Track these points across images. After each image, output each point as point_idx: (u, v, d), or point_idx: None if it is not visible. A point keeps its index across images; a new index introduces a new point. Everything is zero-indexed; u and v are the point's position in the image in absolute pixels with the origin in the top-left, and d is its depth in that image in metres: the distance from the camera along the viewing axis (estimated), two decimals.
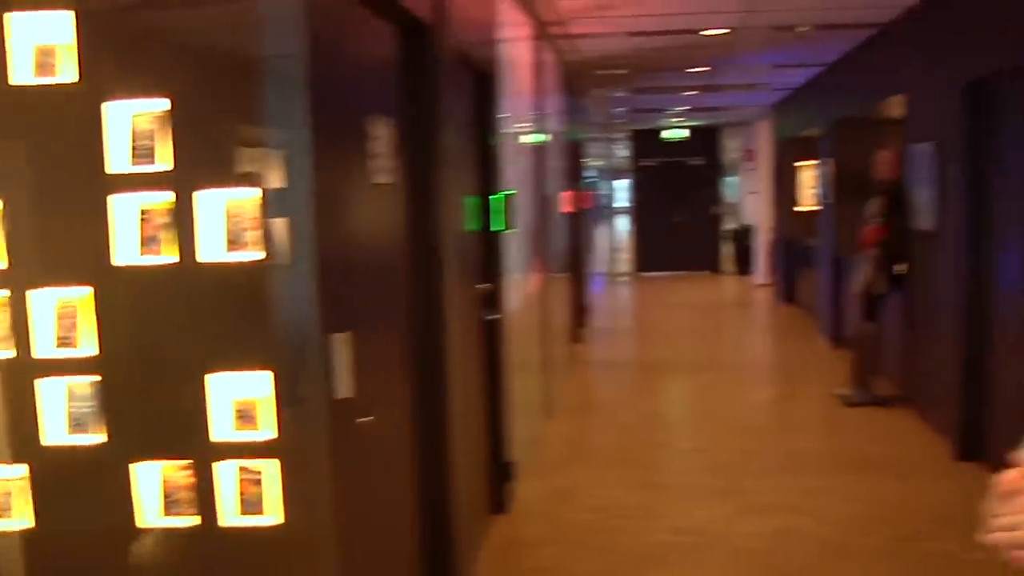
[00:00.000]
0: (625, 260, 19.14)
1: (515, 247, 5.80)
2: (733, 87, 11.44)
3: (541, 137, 6.93)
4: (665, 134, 17.95)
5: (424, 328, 3.32)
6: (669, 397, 7.94)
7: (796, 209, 12.33)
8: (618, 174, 21.54)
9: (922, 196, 6.20)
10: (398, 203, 3.09)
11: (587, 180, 13.48)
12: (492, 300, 4.64)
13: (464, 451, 3.75)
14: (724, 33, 7.43)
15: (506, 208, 4.76)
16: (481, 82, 4.52)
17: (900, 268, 6.78)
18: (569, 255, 9.24)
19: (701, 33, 7.48)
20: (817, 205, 10.50)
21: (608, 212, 21.28)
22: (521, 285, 5.95)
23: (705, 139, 18.02)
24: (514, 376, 5.22)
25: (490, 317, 4.56)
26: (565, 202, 8.78)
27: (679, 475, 5.64)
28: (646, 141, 18.05)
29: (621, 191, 21.32)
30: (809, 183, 11.87)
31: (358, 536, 2.64)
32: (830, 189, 9.49)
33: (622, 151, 19.88)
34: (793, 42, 8.06)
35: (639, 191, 18.35)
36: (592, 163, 17.27)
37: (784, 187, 12.77)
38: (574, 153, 10.04)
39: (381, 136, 2.86)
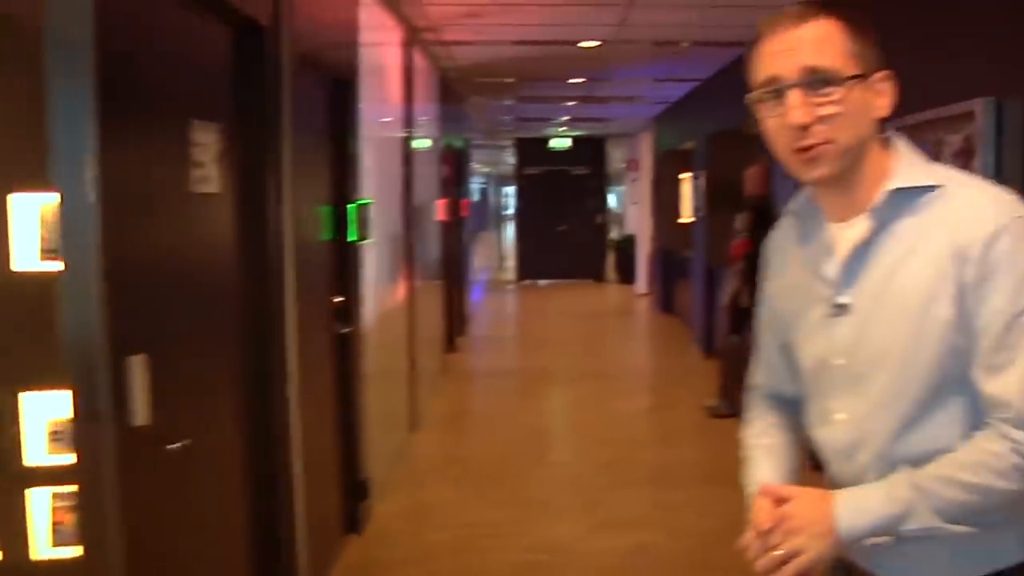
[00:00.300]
0: (510, 267, 19.13)
1: (379, 256, 5.67)
2: (615, 99, 11.54)
3: (412, 144, 6.81)
4: (552, 143, 18.04)
5: (260, 345, 3.16)
6: (544, 408, 7.89)
7: (680, 220, 12.50)
8: (506, 182, 21.59)
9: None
10: (227, 213, 2.93)
11: (469, 187, 13.42)
12: (347, 312, 4.50)
13: (310, 470, 3.60)
14: (598, 46, 7.45)
15: (362, 217, 4.62)
16: (338, 87, 4.38)
17: None
18: (445, 263, 9.14)
19: (578, 45, 7.48)
20: (694, 217, 10.66)
21: (496, 219, 21.33)
22: (385, 295, 5.81)
23: (591, 149, 18.17)
24: (375, 389, 5.09)
25: (344, 330, 4.41)
26: (440, 210, 8.67)
27: (545, 490, 5.57)
28: (532, 149, 18.10)
29: (509, 198, 21.42)
30: (689, 195, 12.05)
31: (172, 568, 2.47)
32: (703, 202, 9.64)
33: (509, 159, 19.90)
34: (670, 57, 8.15)
35: (524, 199, 18.40)
36: (480, 170, 17.27)
37: (665, 198, 12.94)
38: (453, 160, 9.95)
39: (206, 142, 2.70)
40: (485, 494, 5.40)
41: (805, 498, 1.47)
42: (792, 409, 1.69)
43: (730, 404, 7.00)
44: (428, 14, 6.36)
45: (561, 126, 16.25)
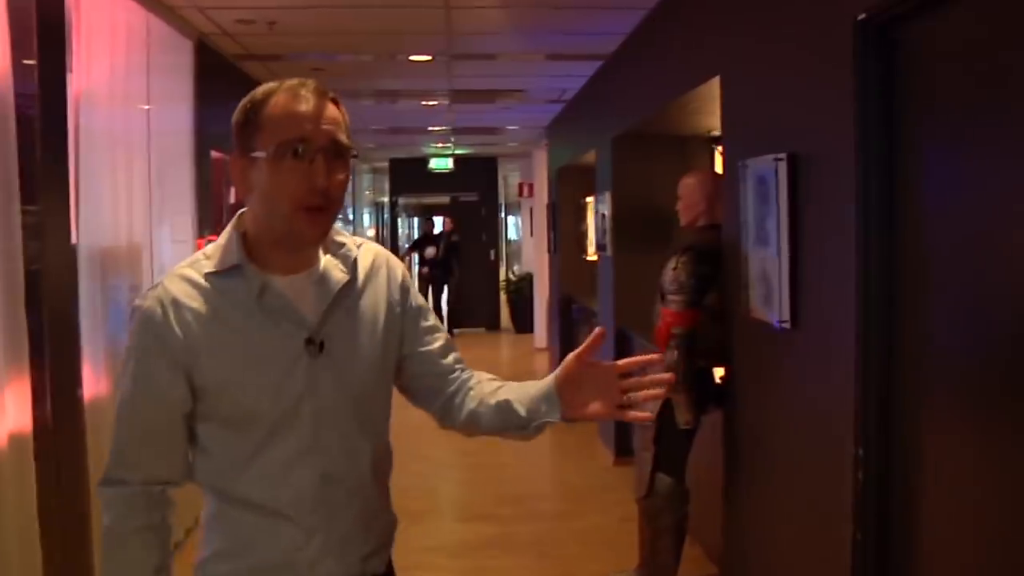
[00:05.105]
0: None
1: None
2: (497, 93, 8.44)
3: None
4: (432, 164, 14.92)
5: None
6: None
7: (586, 257, 9.53)
8: (380, 210, 18.41)
9: (763, 255, 3.26)
10: None
11: None
12: None
13: None
14: None
15: None
16: None
17: (718, 373, 3.88)
18: None
19: None
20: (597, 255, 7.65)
21: None
22: None
23: (481, 171, 15.13)
24: None
25: None
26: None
27: None
28: (410, 172, 14.97)
29: (385, 230, 18.23)
30: (592, 225, 9.10)
31: None
32: (608, 234, 6.60)
33: (383, 183, 16.75)
34: (555, 16, 5.16)
35: (403, 230, 15.26)
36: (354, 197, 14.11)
37: (566, 229, 9.92)
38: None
39: None
40: None
41: None
42: None
43: None
44: None
45: (442, 141, 13.14)
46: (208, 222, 5.60)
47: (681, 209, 4.04)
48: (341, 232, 1.74)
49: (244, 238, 1.65)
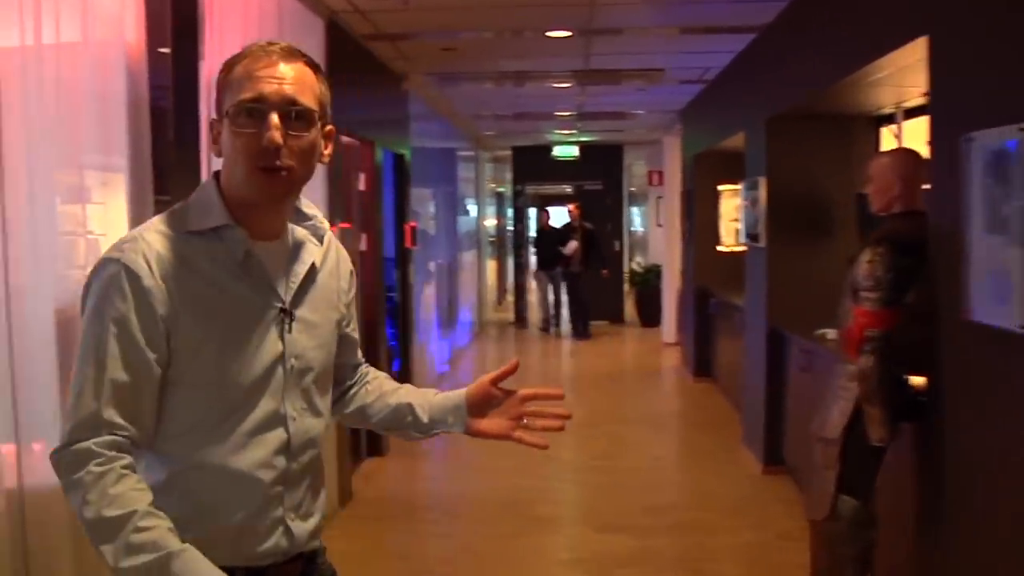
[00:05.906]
0: (504, 307, 15.65)
1: None
2: (628, 74, 7.98)
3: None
4: (556, 151, 14.51)
5: None
6: None
7: (719, 248, 9.02)
8: (501, 200, 18.10)
9: (998, 245, 2.73)
10: None
11: (432, 207, 9.93)
12: None
13: None
14: None
15: None
16: None
17: (916, 382, 3.36)
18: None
19: None
20: (743, 246, 7.11)
21: (499, 246, 17.84)
22: None
23: (606, 159, 14.65)
24: None
25: None
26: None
27: None
28: (534, 160, 14.60)
29: (506, 220, 17.87)
30: (733, 214, 8.57)
31: None
32: (761, 223, 6.06)
33: (505, 172, 16.43)
34: None
35: (525, 221, 14.91)
36: (471, 187, 13.84)
37: (700, 219, 9.38)
38: (371, 169, 6.41)
39: None
40: None
41: None
42: None
43: None
44: None
45: (566, 127, 12.73)
46: (340, 209, 5.31)
47: (872, 193, 3.52)
48: (309, 204, 1.73)
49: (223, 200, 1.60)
